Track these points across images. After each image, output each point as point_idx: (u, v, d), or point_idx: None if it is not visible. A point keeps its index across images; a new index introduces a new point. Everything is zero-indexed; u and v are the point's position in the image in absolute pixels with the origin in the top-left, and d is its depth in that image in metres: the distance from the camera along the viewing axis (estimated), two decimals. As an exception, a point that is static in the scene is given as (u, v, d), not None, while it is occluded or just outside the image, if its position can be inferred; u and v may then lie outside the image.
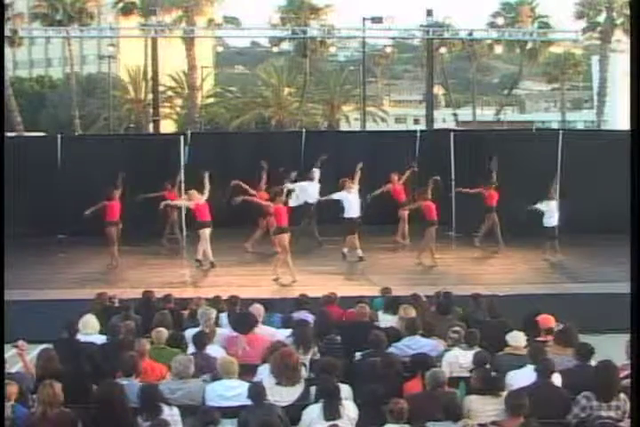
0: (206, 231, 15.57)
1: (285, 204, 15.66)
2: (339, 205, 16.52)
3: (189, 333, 8.74)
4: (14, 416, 6.49)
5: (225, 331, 9.19)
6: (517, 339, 8.31)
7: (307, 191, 17.41)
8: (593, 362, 7.52)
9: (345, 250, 16.38)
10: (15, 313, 9.97)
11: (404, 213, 17.73)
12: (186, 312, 10.39)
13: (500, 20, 46.92)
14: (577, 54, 66.39)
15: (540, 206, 16.23)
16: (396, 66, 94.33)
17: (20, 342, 7.76)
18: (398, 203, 18.02)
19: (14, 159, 15.56)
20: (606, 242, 16.35)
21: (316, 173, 17.75)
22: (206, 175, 15.81)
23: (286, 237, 14.66)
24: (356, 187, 16.55)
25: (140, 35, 32.42)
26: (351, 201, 16.30)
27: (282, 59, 65.78)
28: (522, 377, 7.33)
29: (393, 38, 38.12)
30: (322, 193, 17.34)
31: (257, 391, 6.83)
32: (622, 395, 6.79)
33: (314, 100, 60.81)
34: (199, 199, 15.63)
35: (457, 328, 8.70)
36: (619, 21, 43.49)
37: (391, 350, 8.47)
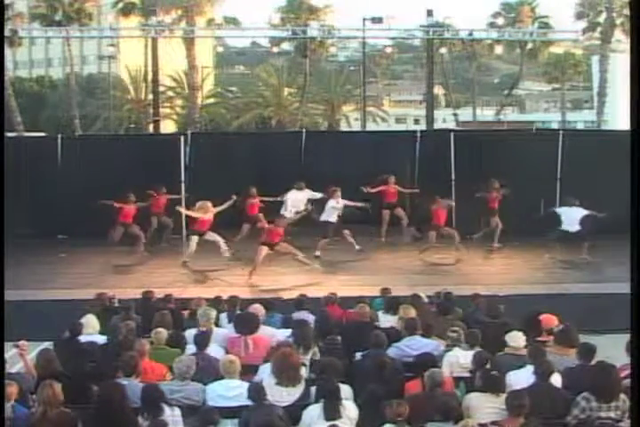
0: (195, 238, 15.91)
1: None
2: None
3: (189, 333, 8.75)
4: (14, 416, 6.49)
5: (224, 331, 9.19)
6: (517, 339, 8.31)
7: (297, 201, 17.56)
8: (592, 362, 7.53)
9: (317, 253, 16.58)
10: (15, 313, 9.97)
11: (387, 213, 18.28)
12: (186, 312, 10.40)
13: (501, 21, 46.93)
14: (577, 54, 66.38)
15: (559, 211, 16.50)
16: (397, 66, 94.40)
17: (22, 343, 7.76)
18: (386, 203, 18.28)
19: (14, 159, 15.59)
20: (606, 242, 16.32)
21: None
22: (232, 200, 16.19)
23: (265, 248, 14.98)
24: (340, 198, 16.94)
25: (140, 35, 32.36)
26: (334, 207, 16.80)
27: (282, 59, 65.73)
28: (522, 377, 7.33)
29: (393, 38, 38.15)
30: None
31: (257, 391, 6.83)
32: (622, 395, 6.79)
33: (314, 101, 60.77)
34: (210, 213, 15.87)
35: (455, 328, 8.71)
36: (619, 22, 43.46)
37: (391, 350, 8.47)
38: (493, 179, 17.62)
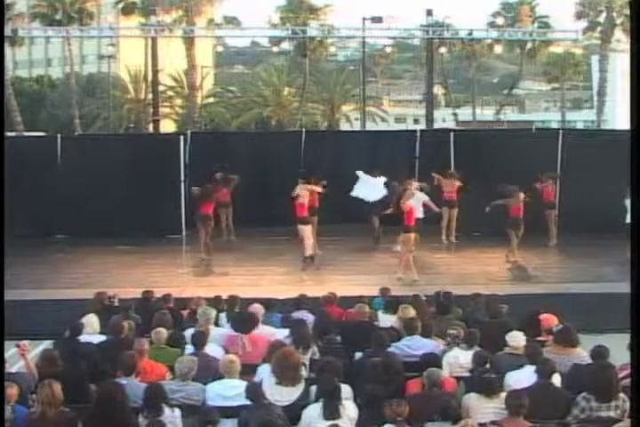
0: (305, 228, 15.69)
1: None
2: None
3: (189, 333, 8.75)
4: (14, 416, 6.49)
5: (224, 330, 9.19)
6: (517, 339, 8.31)
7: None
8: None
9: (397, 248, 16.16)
10: (15, 313, 9.98)
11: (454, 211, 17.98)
12: (185, 312, 10.40)
13: (500, 20, 47.04)
14: (577, 54, 66.47)
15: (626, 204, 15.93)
16: (396, 66, 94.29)
17: (23, 343, 7.76)
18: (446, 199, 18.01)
19: (14, 159, 15.59)
20: (606, 242, 16.32)
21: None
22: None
23: (412, 236, 14.63)
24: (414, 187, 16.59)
25: (140, 35, 32.37)
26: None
27: (282, 58, 65.78)
28: (521, 377, 7.33)
29: (393, 38, 38.13)
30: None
31: (255, 391, 6.83)
32: (621, 394, 6.80)
33: (314, 100, 60.73)
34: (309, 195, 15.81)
35: (454, 327, 8.71)
36: (619, 21, 43.52)
37: (391, 350, 8.46)
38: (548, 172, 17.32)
